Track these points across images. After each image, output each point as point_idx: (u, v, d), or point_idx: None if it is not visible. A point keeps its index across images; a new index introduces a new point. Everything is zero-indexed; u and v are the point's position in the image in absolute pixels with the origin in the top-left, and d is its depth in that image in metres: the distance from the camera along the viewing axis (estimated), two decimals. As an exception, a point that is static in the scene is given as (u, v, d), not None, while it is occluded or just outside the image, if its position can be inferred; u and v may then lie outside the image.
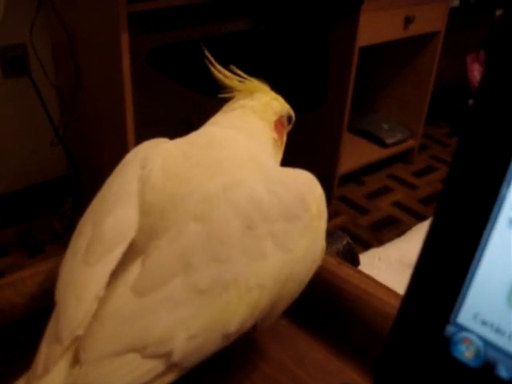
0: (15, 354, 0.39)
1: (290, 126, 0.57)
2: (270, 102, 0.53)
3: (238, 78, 0.53)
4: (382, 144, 2.76)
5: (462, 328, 0.32)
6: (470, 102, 3.07)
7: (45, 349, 0.38)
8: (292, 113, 0.56)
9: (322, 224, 0.45)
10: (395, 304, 0.43)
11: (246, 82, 0.53)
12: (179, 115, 2.54)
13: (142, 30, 2.24)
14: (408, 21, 2.34)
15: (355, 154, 2.68)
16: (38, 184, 2.33)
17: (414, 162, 2.88)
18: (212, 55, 0.53)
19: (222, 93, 0.53)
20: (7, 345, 0.45)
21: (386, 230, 2.33)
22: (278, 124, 0.53)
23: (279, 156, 0.53)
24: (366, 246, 2.17)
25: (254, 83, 0.54)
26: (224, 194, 0.41)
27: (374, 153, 2.74)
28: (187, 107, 2.55)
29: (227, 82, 0.52)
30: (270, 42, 2.15)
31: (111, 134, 1.96)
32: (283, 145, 0.55)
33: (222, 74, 0.52)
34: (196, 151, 0.46)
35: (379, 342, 0.42)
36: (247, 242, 0.40)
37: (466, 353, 0.32)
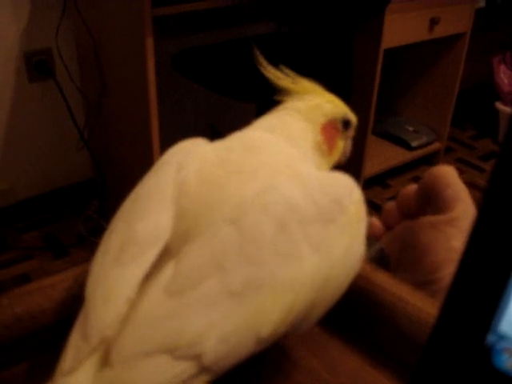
0: (45, 360, 0.39)
1: (351, 132, 0.55)
2: (320, 103, 0.51)
3: (290, 79, 0.51)
4: (407, 147, 2.74)
5: (503, 337, 0.31)
6: (497, 104, 3.04)
7: (72, 347, 0.38)
8: (351, 117, 0.54)
9: (361, 228, 0.44)
10: (431, 311, 0.42)
11: (300, 83, 0.52)
12: (203, 119, 2.54)
13: (166, 33, 2.25)
14: (433, 22, 2.33)
15: (380, 156, 2.66)
16: (64, 187, 2.35)
17: (439, 164, 2.85)
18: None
19: (277, 96, 0.51)
20: (37, 351, 0.45)
21: (412, 234, 2.30)
22: (328, 127, 0.51)
23: (327, 160, 0.51)
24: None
25: (308, 84, 0.52)
26: (258, 198, 0.41)
27: (399, 155, 2.72)
28: (212, 111, 2.55)
29: (280, 83, 0.51)
30: (293, 44, 2.14)
31: (136, 138, 1.97)
32: (336, 149, 0.53)
33: (273, 75, 0.51)
34: (232, 157, 0.45)
35: (414, 351, 0.41)
36: (281, 244, 0.39)
37: (508, 362, 0.31)
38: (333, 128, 0.52)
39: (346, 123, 0.54)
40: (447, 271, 0.51)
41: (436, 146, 2.80)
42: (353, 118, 0.54)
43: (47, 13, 2.02)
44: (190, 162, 0.45)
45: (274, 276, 0.39)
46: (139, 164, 1.98)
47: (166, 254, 0.40)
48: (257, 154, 0.46)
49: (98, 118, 2.16)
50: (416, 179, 2.73)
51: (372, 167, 2.53)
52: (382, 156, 2.68)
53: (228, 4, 1.93)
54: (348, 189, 0.44)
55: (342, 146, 0.54)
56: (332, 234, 0.41)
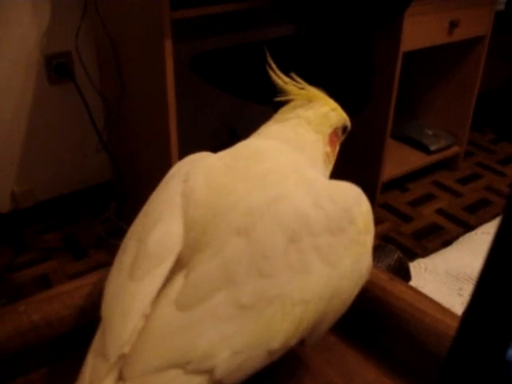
0: (61, 367, 0.39)
1: (345, 136, 0.56)
2: (327, 113, 0.52)
3: (297, 84, 0.52)
4: (426, 150, 2.72)
5: (523, 352, 0.30)
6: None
7: (91, 364, 0.37)
8: (348, 123, 0.55)
9: (368, 239, 0.43)
10: (449, 323, 0.42)
11: (306, 89, 0.52)
12: (222, 122, 2.54)
13: (185, 36, 2.26)
14: (453, 25, 2.31)
15: (399, 160, 2.64)
16: (83, 189, 2.36)
17: (458, 168, 2.83)
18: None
19: (279, 97, 0.52)
20: (54, 359, 0.45)
21: (430, 238, 2.29)
22: (333, 135, 0.52)
23: (329, 169, 0.52)
24: (410, 254, 2.14)
25: (314, 91, 0.52)
26: (268, 207, 0.40)
27: (417, 159, 2.70)
28: (230, 114, 2.55)
29: (286, 87, 0.51)
30: (313, 47, 2.14)
31: (154, 141, 1.97)
32: (334, 156, 0.54)
33: (281, 79, 0.51)
34: (239, 164, 0.45)
35: (432, 362, 0.41)
36: (291, 256, 0.39)
37: (527, 378, 0.30)
38: (335, 136, 0.52)
39: (344, 129, 0.55)
40: None
41: (455, 149, 2.78)
42: (349, 123, 0.55)
43: (67, 16, 2.04)
44: (196, 171, 0.45)
45: (284, 288, 0.38)
46: (157, 166, 1.99)
47: (178, 265, 0.40)
48: (264, 161, 0.45)
49: (116, 121, 2.17)
50: (435, 183, 2.71)
51: (391, 171, 2.52)
52: (401, 160, 2.67)
53: (247, 7, 1.93)
54: (357, 199, 0.44)
55: (337, 150, 0.55)
56: (341, 245, 0.41)
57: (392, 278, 0.47)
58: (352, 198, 0.44)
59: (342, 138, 0.55)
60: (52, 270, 2.06)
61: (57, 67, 2.09)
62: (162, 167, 1.94)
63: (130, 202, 2.21)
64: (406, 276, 0.52)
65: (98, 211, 2.32)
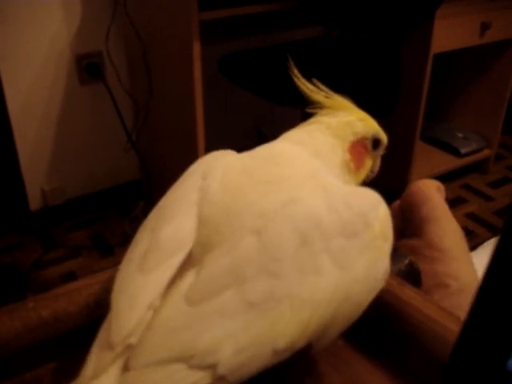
0: (69, 364, 0.39)
1: (381, 151, 0.53)
2: (352, 121, 0.50)
3: (323, 93, 0.51)
4: (456, 153, 2.69)
5: (526, 362, 0.30)
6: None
7: (95, 354, 0.38)
8: (381, 136, 0.53)
9: (386, 245, 0.43)
10: (457, 330, 0.41)
11: (333, 98, 0.51)
12: (250, 122, 2.55)
13: (214, 37, 2.27)
14: (484, 27, 2.28)
15: (428, 163, 2.62)
16: (111, 188, 2.39)
17: (489, 172, 2.79)
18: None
19: (309, 108, 0.51)
20: (61, 354, 0.46)
21: (459, 243, 2.26)
22: (357, 145, 0.50)
23: (354, 177, 0.50)
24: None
25: (341, 100, 0.51)
26: (281, 209, 0.40)
27: (447, 162, 2.67)
28: (258, 114, 2.56)
29: (313, 96, 0.51)
30: (342, 48, 2.13)
31: (182, 141, 1.98)
32: (364, 168, 0.51)
33: (307, 88, 0.50)
34: (258, 166, 0.45)
35: (439, 369, 0.40)
36: (302, 257, 0.39)
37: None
38: (362, 147, 0.51)
39: (375, 142, 0.52)
40: (437, 296, 0.51)
41: (486, 153, 2.74)
42: (383, 137, 0.53)
43: (98, 17, 2.06)
44: (214, 170, 0.45)
45: (293, 289, 0.38)
46: (185, 166, 1.99)
47: (189, 261, 0.41)
48: (282, 164, 0.45)
49: (145, 121, 2.19)
50: (465, 187, 2.67)
51: (420, 173, 2.49)
52: (431, 162, 2.64)
53: (276, 8, 1.93)
54: (374, 204, 0.43)
55: (370, 164, 0.53)
56: (355, 249, 0.41)
57: (401, 283, 0.47)
58: (369, 202, 0.43)
59: (374, 152, 0.53)
60: (79, 267, 2.09)
61: (88, 67, 2.11)
62: (189, 167, 1.95)
63: (157, 201, 2.22)
64: (416, 281, 0.52)
65: (125, 210, 2.34)
